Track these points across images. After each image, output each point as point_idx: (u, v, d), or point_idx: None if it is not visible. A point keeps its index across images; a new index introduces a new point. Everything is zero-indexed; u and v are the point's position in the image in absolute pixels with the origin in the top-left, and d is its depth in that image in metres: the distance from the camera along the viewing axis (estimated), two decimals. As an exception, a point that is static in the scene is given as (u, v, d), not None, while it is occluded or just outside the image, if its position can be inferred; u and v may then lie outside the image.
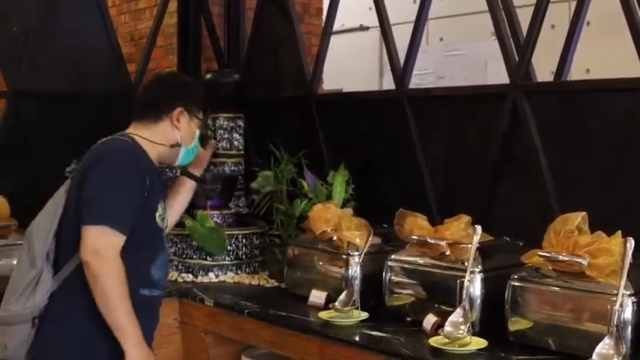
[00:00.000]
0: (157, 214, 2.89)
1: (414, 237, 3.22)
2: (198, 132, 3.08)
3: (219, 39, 5.17)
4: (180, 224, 4.17)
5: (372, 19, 7.43)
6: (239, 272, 4.10)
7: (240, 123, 4.67)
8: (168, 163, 3.09)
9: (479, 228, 2.99)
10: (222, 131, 4.62)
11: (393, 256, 3.31)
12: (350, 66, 7.42)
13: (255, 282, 3.99)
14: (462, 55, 6.99)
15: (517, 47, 3.69)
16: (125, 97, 4.83)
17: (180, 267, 4.10)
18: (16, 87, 4.50)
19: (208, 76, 4.81)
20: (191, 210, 4.29)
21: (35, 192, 4.29)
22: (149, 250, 2.88)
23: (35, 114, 4.56)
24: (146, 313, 2.83)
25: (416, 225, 3.26)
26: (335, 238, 3.50)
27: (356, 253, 3.42)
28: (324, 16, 5.73)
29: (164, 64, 5.58)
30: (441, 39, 7.48)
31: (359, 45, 7.93)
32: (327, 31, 4.62)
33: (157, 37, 5.10)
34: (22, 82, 4.52)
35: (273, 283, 3.97)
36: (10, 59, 4.53)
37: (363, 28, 7.94)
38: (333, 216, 3.57)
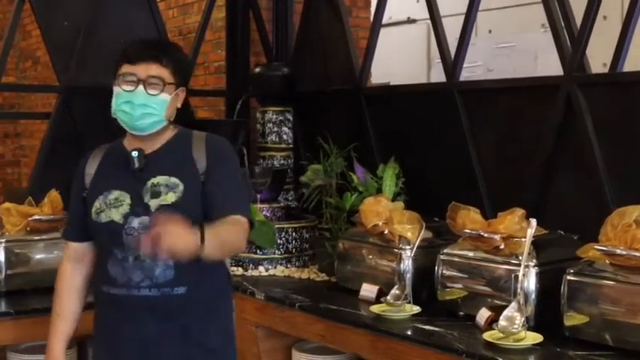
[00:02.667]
0: (93, 210, 2.75)
1: (467, 230, 3.19)
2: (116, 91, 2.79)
3: (267, 33, 5.16)
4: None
5: (420, 12, 7.41)
6: (289, 266, 4.10)
7: (289, 116, 4.67)
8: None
9: (534, 221, 2.95)
10: (271, 125, 4.62)
11: (445, 250, 3.28)
12: (396, 59, 7.37)
13: (304, 276, 3.99)
14: (512, 48, 6.89)
15: (570, 38, 3.63)
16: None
17: (230, 261, 4.09)
18: (67, 82, 4.54)
19: (257, 69, 4.81)
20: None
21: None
22: (102, 247, 2.80)
23: (85, 109, 4.59)
24: (110, 311, 2.77)
25: (469, 218, 3.23)
26: (386, 231, 3.48)
27: (408, 247, 3.40)
28: (371, 9, 5.70)
29: (212, 58, 5.59)
30: (490, 31, 7.39)
31: (406, 38, 7.87)
32: (376, 24, 4.59)
33: (206, 32, 5.09)
34: (72, 77, 4.55)
35: (323, 276, 3.96)
36: (61, 54, 4.57)
37: (410, 21, 7.88)
38: (384, 209, 3.55)
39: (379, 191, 3.91)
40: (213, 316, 2.80)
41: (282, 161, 4.61)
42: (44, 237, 3.71)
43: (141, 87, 2.69)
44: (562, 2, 3.65)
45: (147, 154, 2.76)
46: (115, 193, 2.74)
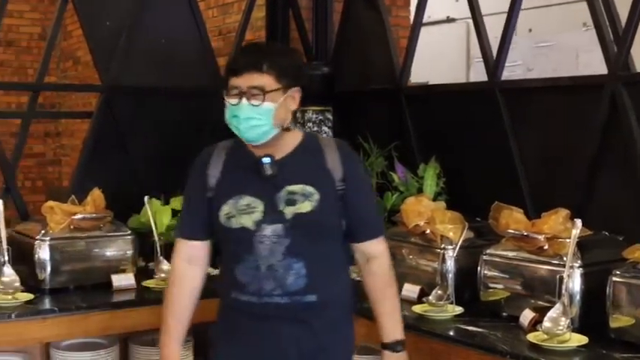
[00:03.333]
0: (222, 214, 2.69)
1: (510, 231, 3.17)
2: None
3: (307, 32, 5.16)
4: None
5: (459, 11, 7.38)
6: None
7: (329, 116, 4.67)
8: None
9: (579, 222, 2.92)
10: (310, 124, 4.62)
11: (488, 251, 3.27)
12: (435, 58, 7.34)
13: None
14: (552, 47, 6.86)
15: (615, 37, 3.59)
16: (215, 91, 4.89)
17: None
18: (109, 82, 4.57)
19: (297, 69, 4.80)
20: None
21: (128, 185, 4.42)
22: (231, 252, 2.74)
23: (127, 108, 4.62)
24: (240, 316, 2.72)
25: (512, 218, 3.21)
26: (428, 231, 3.47)
27: (450, 247, 3.39)
28: (411, 9, 5.68)
29: (252, 58, 5.59)
30: (530, 30, 7.35)
31: (445, 37, 7.85)
32: (417, 24, 4.57)
33: (246, 31, 5.10)
34: (114, 76, 4.58)
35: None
36: (103, 54, 4.60)
37: (449, 20, 7.86)
38: (426, 209, 3.54)
39: (420, 191, 3.90)
40: (339, 324, 2.77)
41: (322, 160, 4.60)
42: (87, 235, 3.73)
43: (244, 99, 2.59)
44: (606, 1, 3.61)
45: (277, 160, 2.66)
46: (247, 199, 2.67)
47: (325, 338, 2.70)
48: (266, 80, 2.59)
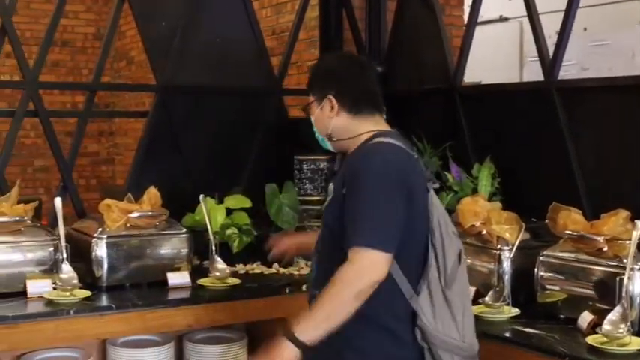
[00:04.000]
0: None
1: (568, 232, 3.14)
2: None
3: (360, 32, 5.15)
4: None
5: (512, 10, 7.31)
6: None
7: (383, 115, 4.64)
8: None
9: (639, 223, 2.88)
10: (364, 124, 4.60)
11: (545, 252, 3.23)
12: (487, 58, 7.28)
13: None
14: (607, 46, 6.76)
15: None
16: (268, 91, 4.91)
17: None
18: (164, 81, 4.61)
19: (351, 68, 4.80)
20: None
21: (182, 184, 4.45)
22: None
23: (182, 108, 4.65)
24: None
25: (570, 219, 3.18)
26: (484, 232, 3.44)
27: (506, 248, 3.35)
28: (464, 8, 5.66)
29: (305, 58, 5.62)
30: (585, 29, 7.26)
31: (497, 36, 7.78)
32: (471, 22, 4.54)
33: (300, 31, 5.12)
34: (169, 76, 4.62)
35: (418, 277, 3.92)
36: (158, 54, 4.64)
37: (502, 19, 7.78)
38: (482, 209, 3.51)
39: (474, 191, 3.88)
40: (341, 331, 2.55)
41: (376, 160, 4.59)
42: (143, 233, 3.76)
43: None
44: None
45: (345, 159, 2.79)
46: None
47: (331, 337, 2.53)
48: (310, 97, 2.83)
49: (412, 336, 2.58)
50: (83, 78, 9.82)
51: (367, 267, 2.47)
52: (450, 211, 3.76)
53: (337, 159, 2.83)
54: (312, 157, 4.55)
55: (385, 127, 2.75)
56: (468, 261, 3.50)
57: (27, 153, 9.16)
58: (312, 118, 2.80)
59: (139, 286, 3.71)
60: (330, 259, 2.61)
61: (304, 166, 4.55)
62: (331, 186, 2.73)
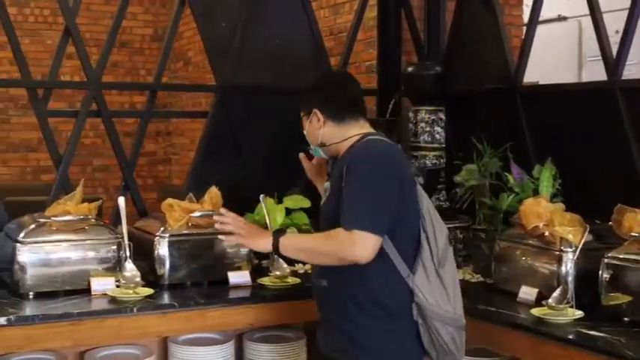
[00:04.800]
0: None
1: (634, 234, 3.09)
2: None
3: (419, 32, 5.13)
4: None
5: (571, 9, 7.23)
6: (442, 266, 4.06)
7: (442, 116, 4.63)
8: None
9: None
10: (423, 124, 4.60)
11: (610, 254, 3.18)
12: (545, 58, 7.20)
13: (460, 277, 3.92)
14: (670, 45, 6.64)
15: None
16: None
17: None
18: (224, 82, 4.64)
19: (410, 69, 4.79)
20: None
21: (241, 184, 4.47)
22: None
23: (241, 108, 4.68)
24: None
25: (636, 221, 3.14)
26: (547, 233, 3.41)
27: (570, 250, 3.32)
28: (523, 7, 5.60)
29: (364, 58, 5.61)
30: (646, 28, 7.14)
31: (555, 36, 7.70)
32: (532, 22, 4.49)
33: (358, 31, 5.11)
34: (229, 76, 4.65)
35: (478, 278, 3.91)
36: (218, 54, 4.67)
37: (560, 18, 7.70)
38: (544, 211, 3.47)
39: (535, 192, 3.83)
40: (348, 314, 2.95)
41: (434, 161, 4.58)
42: (204, 232, 3.79)
43: None
44: None
45: (335, 161, 3.15)
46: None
47: (340, 325, 2.98)
48: (301, 113, 3.22)
49: (409, 312, 2.91)
50: (140, 78, 9.93)
51: (356, 243, 2.79)
52: (512, 212, 3.76)
53: (329, 162, 3.26)
54: (370, 158, 4.54)
55: (370, 130, 3.10)
56: (529, 262, 3.50)
57: (86, 153, 9.29)
58: (305, 132, 3.18)
59: (199, 285, 3.75)
60: None
61: (363, 167, 4.53)
62: (327, 184, 3.12)
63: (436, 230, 2.98)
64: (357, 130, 3.08)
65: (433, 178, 4.35)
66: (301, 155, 3.45)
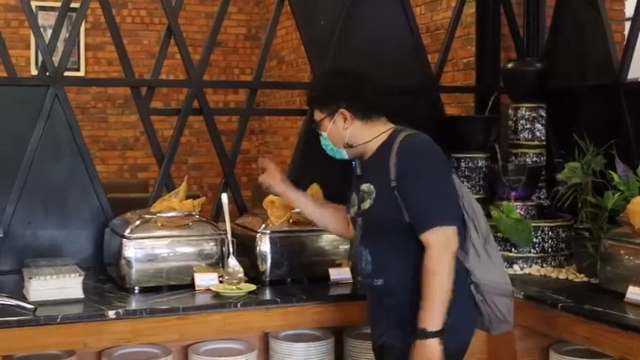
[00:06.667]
0: (350, 206, 3.19)
1: None
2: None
3: (518, 28, 5.06)
4: (486, 215, 4.16)
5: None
6: (544, 265, 4.00)
7: (542, 113, 4.56)
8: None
9: None
10: (523, 121, 4.54)
11: None
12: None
13: (562, 276, 3.88)
14: None
15: None
16: (425, 88, 4.89)
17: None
18: (323, 79, 4.65)
19: (510, 65, 4.73)
20: (492, 200, 4.27)
21: (338, 181, 4.47)
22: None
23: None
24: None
25: None
26: (656, 233, 3.33)
27: (680, 250, 3.23)
28: (625, 2, 5.47)
29: (461, 55, 5.56)
30: None
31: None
32: (638, 17, 4.38)
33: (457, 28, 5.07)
34: (328, 73, 4.66)
35: (582, 277, 3.83)
36: (317, 53, 4.68)
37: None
38: (654, 210, 3.39)
39: (641, 191, 3.75)
40: (411, 310, 2.91)
41: (534, 159, 4.51)
42: (305, 229, 3.81)
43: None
44: None
45: (363, 162, 3.10)
46: (353, 195, 3.15)
47: (400, 322, 2.97)
48: (316, 114, 3.14)
49: (468, 291, 3.02)
50: (234, 77, 10.05)
51: (446, 244, 2.84)
52: (617, 211, 3.68)
53: (357, 164, 3.15)
54: (469, 155, 4.51)
55: (393, 125, 3.07)
56: (637, 262, 3.42)
57: (181, 151, 9.41)
58: (325, 133, 3.11)
59: (300, 281, 3.76)
60: (385, 249, 2.99)
61: (462, 164, 4.50)
62: (366, 187, 3.00)
63: (475, 209, 3.07)
64: (382, 127, 3.05)
65: (534, 177, 4.27)
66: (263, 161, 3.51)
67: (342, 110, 3.03)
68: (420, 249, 2.88)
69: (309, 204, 3.44)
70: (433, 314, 2.83)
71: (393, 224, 2.94)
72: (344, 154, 3.15)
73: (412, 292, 2.90)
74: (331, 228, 3.43)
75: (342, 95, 3.06)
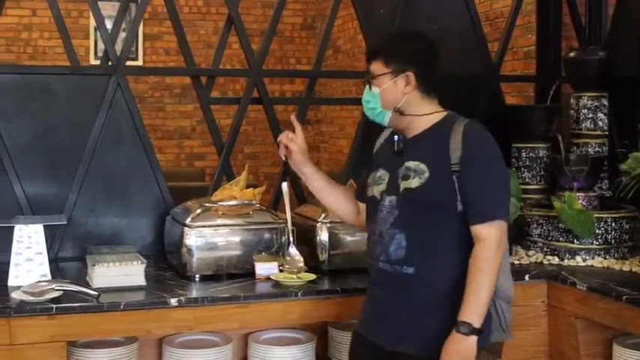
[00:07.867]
0: (368, 184, 3.01)
1: None
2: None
3: (580, 16, 4.99)
4: (548, 205, 4.12)
5: None
6: (607, 257, 3.94)
7: (605, 102, 4.49)
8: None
9: None
10: (585, 111, 4.47)
11: None
12: None
13: (626, 268, 3.82)
14: None
15: None
16: (486, 77, 4.84)
17: (545, 249, 4.03)
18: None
19: (572, 54, 4.66)
20: (554, 191, 4.22)
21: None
22: (370, 221, 2.98)
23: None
24: (370, 279, 3.02)
25: None
26: None
27: None
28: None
29: (521, 44, 5.50)
30: None
31: None
32: None
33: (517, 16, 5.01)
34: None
35: (646, 269, 3.78)
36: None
37: None
38: None
39: None
40: (440, 302, 2.80)
41: (596, 149, 4.45)
42: (363, 219, 3.80)
43: (366, 85, 2.93)
44: None
45: (408, 138, 2.90)
46: (380, 172, 2.95)
47: (420, 315, 2.80)
48: (375, 67, 2.89)
49: None
50: (290, 66, 10.07)
51: (499, 239, 2.74)
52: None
53: (398, 139, 2.90)
54: (530, 145, 4.46)
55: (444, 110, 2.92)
56: None
57: (238, 140, 9.46)
58: (378, 90, 2.88)
59: (356, 271, 3.73)
60: (425, 235, 2.79)
61: (523, 154, 4.46)
62: (414, 164, 2.81)
63: None
64: (436, 107, 2.90)
65: (596, 167, 4.21)
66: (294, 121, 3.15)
67: (408, 73, 2.84)
68: (465, 242, 2.76)
69: (322, 183, 3.18)
70: (478, 311, 2.71)
71: (441, 209, 2.77)
72: (385, 119, 2.91)
73: (436, 288, 2.79)
74: (341, 211, 3.24)
75: (415, 59, 2.87)
